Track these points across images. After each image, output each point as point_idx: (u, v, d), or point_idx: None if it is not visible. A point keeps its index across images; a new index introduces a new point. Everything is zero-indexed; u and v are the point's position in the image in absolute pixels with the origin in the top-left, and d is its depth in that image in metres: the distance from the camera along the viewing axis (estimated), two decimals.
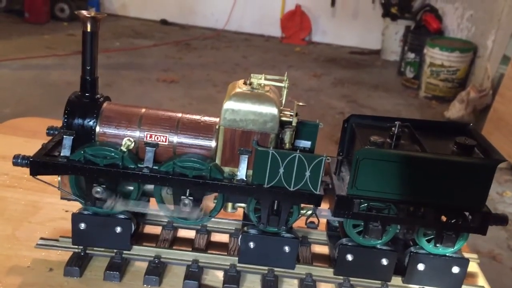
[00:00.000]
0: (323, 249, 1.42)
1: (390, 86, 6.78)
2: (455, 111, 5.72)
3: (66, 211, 1.44)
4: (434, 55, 6.23)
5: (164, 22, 8.24)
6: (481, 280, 1.38)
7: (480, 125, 5.38)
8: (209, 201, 1.28)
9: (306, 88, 6.39)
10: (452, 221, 1.19)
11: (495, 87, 5.45)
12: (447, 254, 1.25)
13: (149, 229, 1.42)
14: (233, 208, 1.30)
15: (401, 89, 6.74)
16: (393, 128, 1.23)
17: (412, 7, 7.28)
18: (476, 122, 5.59)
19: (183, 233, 1.43)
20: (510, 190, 4.55)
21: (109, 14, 8.21)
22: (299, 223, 1.33)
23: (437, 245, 1.22)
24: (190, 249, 1.34)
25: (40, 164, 1.16)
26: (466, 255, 1.40)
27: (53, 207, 1.44)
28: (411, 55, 6.76)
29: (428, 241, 1.25)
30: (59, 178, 1.23)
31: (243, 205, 1.29)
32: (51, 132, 1.29)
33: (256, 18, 8.09)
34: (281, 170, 1.17)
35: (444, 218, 1.21)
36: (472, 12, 6.38)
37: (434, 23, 6.76)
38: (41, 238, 1.28)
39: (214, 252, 1.35)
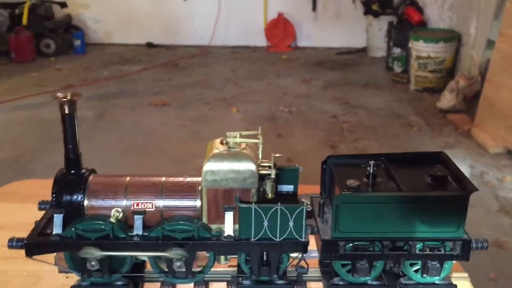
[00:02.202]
0: (319, 286, 1.46)
1: (380, 82, 6.84)
2: (446, 101, 5.77)
3: (67, 277, 1.48)
4: (419, 47, 6.28)
5: (150, 45, 8.30)
6: None
7: (473, 112, 5.43)
8: (202, 253, 1.33)
9: (297, 94, 6.44)
10: (435, 252, 1.24)
11: (483, 73, 5.50)
12: (435, 282, 1.29)
13: (148, 286, 1.46)
14: (226, 259, 1.35)
15: (391, 84, 6.80)
16: (368, 168, 1.27)
17: (393, 2, 7.34)
18: (468, 110, 5.64)
19: (182, 287, 1.47)
20: (509, 175, 4.59)
21: (94, 44, 8.30)
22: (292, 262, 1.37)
23: (424, 275, 1.27)
24: None
25: (34, 245, 1.21)
26: (457, 274, 1.45)
27: (54, 275, 1.47)
28: (397, 50, 6.81)
29: (416, 271, 1.29)
30: (55, 254, 1.28)
31: (235, 256, 1.33)
32: (42, 206, 1.34)
33: (241, 30, 8.16)
34: (266, 223, 1.22)
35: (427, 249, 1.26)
36: (451, 1, 6.43)
37: (416, 15, 6.82)
38: None
39: None
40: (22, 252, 1.55)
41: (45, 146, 4.95)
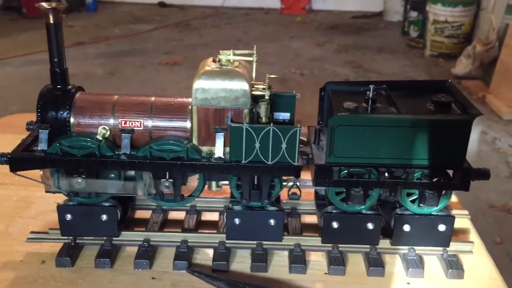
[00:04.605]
0: (313, 219, 1.42)
1: (395, 47, 6.68)
2: (462, 67, 5.62)
3: (58, 203, 1.45)
4: (437, 11, 6.10)
5: (162, 4, 8.19)
6: (473, 236, 1.37)
7: (488, 79, 5.29)
8: (193, 181, 1.29)
9: (310, 57, 6.32)
10: (433, 180, 1.18)
11: (501, 39, 5.32)
12: (432, 213, 1.24)
13: (139, 213, 1.44)
14: (218, 186, 1.31)
15: (406, 49, 6.64)
16: (368, 92, 1.21)
17: None
18: (484, 77, 5.49)
19: (173, 215, 1.44)
20: None
21: (106, 2, 8.20)
22: (287, 194, 1.33)
23: (421, 205, 1.22)
24: (180, 230, 1.35)
25: (18, 160, 1.18)
26: (457, 211, 1.40)
27: (44, 200, 1.46)
28: (413, 14, 6.63)
29: (413, 201, 1.24)
30: (41, 172, 1.24)
31: (227, 182, 1.29)
32: (31, 127, 1.30)
33: None
34: (257, 145, 1.17)
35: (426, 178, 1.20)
36: None
37: None
38: (32, 232, 1.30)
39: (203, 231, 1.36)
40: (15, 178, 1.52)
41: None
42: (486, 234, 3.38)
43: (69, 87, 1.24)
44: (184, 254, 1.26)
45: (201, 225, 1.41)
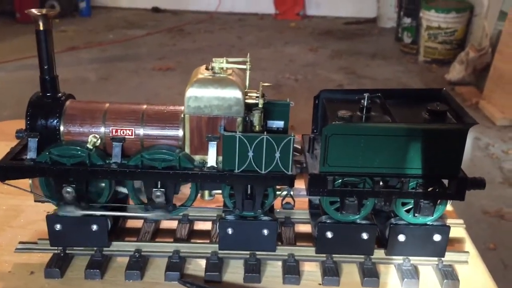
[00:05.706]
0: (307, 228, 1.41)
1: (388, 53, 6.69)
2: (456, 73, 5.64)
3: (48, 212, 1.43)
4: (430, 17, 6.12)
5: (156, 9, 8.17)
6: (468, 245, 1.36)
7: (481, 85, 5.31)
8: (186, 190, 1.27)
9: (303, 63, 6.33)
10: (428, 190, 1.17)
11: (494, 45, 5.35)
12: (427, 223, 1.23)
13: (130, 223, 1.41)
14: (210, 195, 1.29)
15: (400, 55, 6.65)
16: (362, 101, 1.20)
17: None
18: (477, 83, 5.51)
19: (165, 224, 1.42)
20: None
21: (100, 7, 8.18)
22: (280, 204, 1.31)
23: (416, 214, 1.20)
24: (172, 240, 1.33)
25: (7, 169, 1.16)
26: (452, 221, 1.39)
27: (34, 209, 1.44)
28: (407, 20, 6.65)
29: (407, 211, 1.23)
30: (30, 181, 1.22)
31: (220, 191, 1.27)
32: (20, 135, 1.28)
33: None
34: (251, 154, 1.15)
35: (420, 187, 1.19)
36: None
37: None
38: (20, 242, 1.28)
39: (196, 241, 1.34)
40: (4, 186, 1.50)
41: None
42: (480, 240, 3.38)
43: (59, 94, 1.22)
44: (176, 265, 1.24)
45: (194, 234, 1.39)
